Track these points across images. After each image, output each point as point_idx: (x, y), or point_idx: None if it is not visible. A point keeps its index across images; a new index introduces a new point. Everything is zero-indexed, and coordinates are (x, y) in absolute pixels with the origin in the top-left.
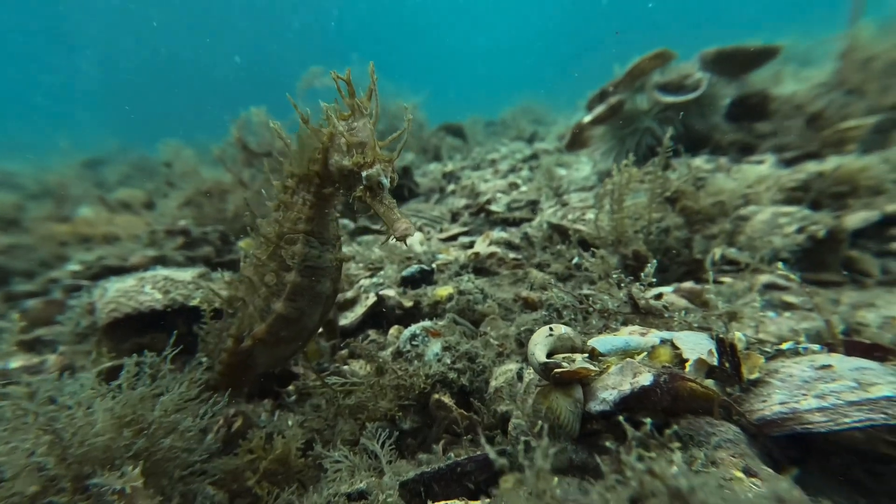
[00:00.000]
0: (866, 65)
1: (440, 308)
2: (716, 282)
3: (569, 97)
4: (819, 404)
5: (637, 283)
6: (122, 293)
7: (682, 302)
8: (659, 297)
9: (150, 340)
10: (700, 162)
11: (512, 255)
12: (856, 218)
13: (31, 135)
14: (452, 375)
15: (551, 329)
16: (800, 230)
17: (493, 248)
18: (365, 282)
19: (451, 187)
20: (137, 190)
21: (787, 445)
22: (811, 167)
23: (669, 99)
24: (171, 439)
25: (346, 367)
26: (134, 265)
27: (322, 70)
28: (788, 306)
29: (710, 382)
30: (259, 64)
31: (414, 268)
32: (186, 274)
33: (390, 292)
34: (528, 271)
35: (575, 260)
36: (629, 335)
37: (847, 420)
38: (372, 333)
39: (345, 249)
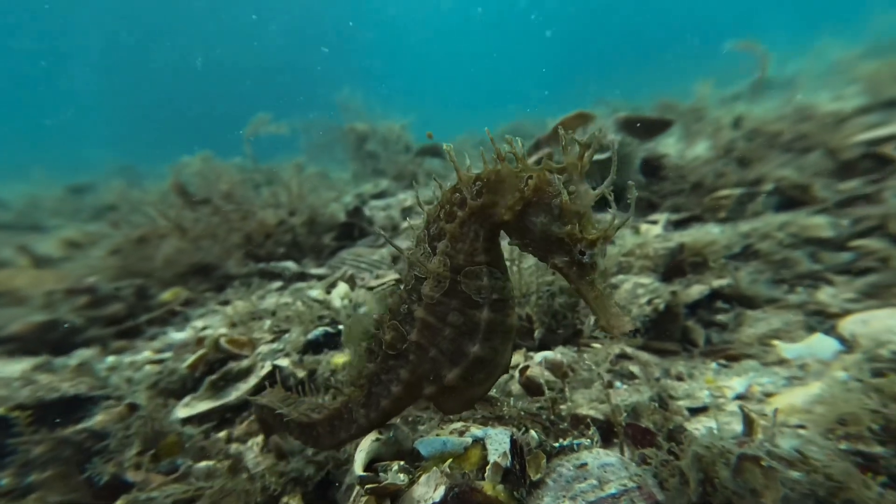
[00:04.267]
0: (750, 136)
1: (335, 378)
2: (587, 347)
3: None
4: None
5: None
6: None
7: (547, 374)
8: (525, 369)
9: None
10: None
11: None
12: (692, 291)
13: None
14: (310, 471)
15: (379, 433)
16: (649, 302)
17: None
18: (264, 348)
19: (405, 224)
20: (80, 231)
21: None
22: (677, 237)
23: None
24: None
25: (200, 464)
26: (13, 335)
27: (269, 117)
28: (633, 376)
29: (500, 488)
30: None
31: (319, 331)
32: (17, 367)
33: (285, 362)
34: None
35: None
36: (450, 434)
37: None
38: None
39: (274, 300)
